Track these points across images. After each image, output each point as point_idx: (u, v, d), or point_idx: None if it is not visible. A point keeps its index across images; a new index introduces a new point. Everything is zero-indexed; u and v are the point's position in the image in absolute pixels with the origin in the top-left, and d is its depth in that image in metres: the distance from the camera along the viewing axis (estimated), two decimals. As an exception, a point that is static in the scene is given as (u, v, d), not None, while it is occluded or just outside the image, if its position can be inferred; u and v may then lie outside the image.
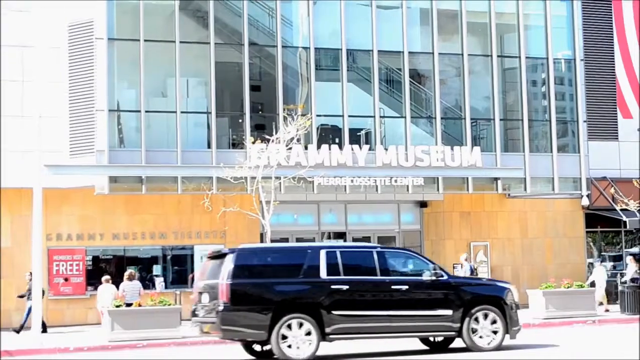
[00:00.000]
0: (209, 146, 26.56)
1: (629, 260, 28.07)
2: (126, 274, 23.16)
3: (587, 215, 32.26)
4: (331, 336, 16.78)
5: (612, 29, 33.65)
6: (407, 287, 17.40)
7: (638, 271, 27.24)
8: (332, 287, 16.95)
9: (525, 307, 24.85)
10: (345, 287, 17.07)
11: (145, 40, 25.82)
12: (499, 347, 17.21)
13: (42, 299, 21.39)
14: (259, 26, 27.96)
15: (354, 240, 29.05)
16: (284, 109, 25.81)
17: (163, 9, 26.78)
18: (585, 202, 31.11)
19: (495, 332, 17.31)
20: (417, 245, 30.08)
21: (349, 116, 27.86)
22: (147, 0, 26.23)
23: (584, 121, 30.69)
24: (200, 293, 17.73)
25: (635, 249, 33.70)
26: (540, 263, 30.29)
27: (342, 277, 17.26)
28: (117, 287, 22.54)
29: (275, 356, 16.82)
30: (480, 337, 17.26)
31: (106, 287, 22.47)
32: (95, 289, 23.55)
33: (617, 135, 33.15)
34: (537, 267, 29.40)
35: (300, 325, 16.53)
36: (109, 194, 25.46)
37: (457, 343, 17.47)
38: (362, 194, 28.14)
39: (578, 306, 25.18)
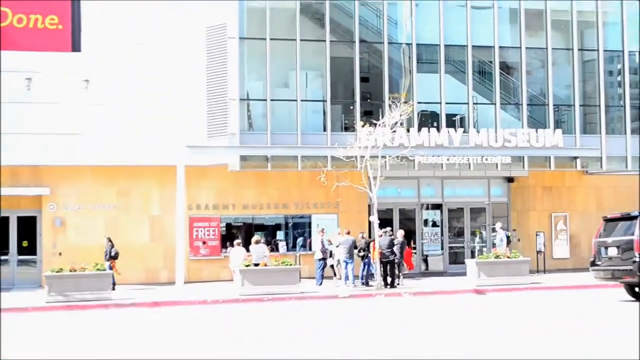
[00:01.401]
0: (324, 129, 25.89)
1: None
2: (254, 238, 22.79)
3: None
4: None
5: None
6: None
7: None
8: None
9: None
10: None
11: (270, 39, 25.30)
12: None
13: (116, 260, 21.79)
14: (368, 25, 27.11)
15: (449, 210, 28.97)
16: (389, 97, 24.67)
17: (286, 11, 26.04)
18: None
19: None
20: (504, 215, 29.00)
21: (446, 103, 26.87)
22: (273, 2, 25.59)
23: None
24: (605, 248, 18.98)
25: None
26: None
27: None
28: (247, 249, 22.15)
29: None
30: None
31: (237, 249, 22.07)
32: (228, 251, 23.33)
33: None
34: None
35: None
36: (240, 170, 25.22)
37: None
38: (457, 170, 27.03)
39: None
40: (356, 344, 12.25)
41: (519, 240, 27.83)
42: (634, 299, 18.48)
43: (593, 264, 19.57)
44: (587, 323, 15.08)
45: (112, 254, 21.94)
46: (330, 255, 23.51)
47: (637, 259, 17.64)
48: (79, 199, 24.96)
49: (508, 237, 26.18)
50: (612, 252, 18.81)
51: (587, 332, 13.60)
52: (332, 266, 23.53)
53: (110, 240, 22.39)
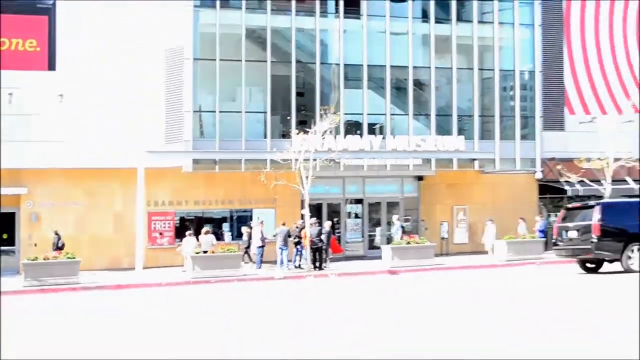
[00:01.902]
0: (265, 136, 26.30)
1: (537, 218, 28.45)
2: (203, 230, 23.16)
3: (540, 185, 31.38)
4: None
5: (562, 48, 32.49)
6: None
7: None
8: None
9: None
10: None
11: (220, 60, 25.55)
12: None
13: (62, 251, 21.60)
14: (303, 48, 27.52)
15: (369, 204, 29.20)
16: (320, 109, 25.15)
17: (233, 36, 26.08)
18: (538, 175, 30.41)
19: None
20: (415, 208, 29.70)
21: (368, 114, 27.49)
22: (222, 28, 25.67)
23: (540, 117, 29.94)
24: (566, 230, 19.88)
25: None
26: (505, 221, 28.58)
27: None
28: (197, 239, 22.54)
29: (599, 271, 19.49)
30: None
31: (189, 239, 22.42)
32: (181, 240, 23.40)
33: (563, 127, 32.18)
34: (502, 224, 27.89)
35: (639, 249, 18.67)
36: (192, 172, 25.46)
37: None
38: (376, 171, 27.70)
39: (529, 251, 24.83)
40: (288, 314, 12.88)
41: (426, 228, 28.38)
42: (585, 272, 19.61)
43: (555, 244, 20.49)
44: (468, 290, 16.31)
45: (59, 245, 22.10)
46: (248, 246, 23.89)
47: (595, 240, 18.50)
48: (52, 197, 24.81)
49: (403, 228, 26.63)
50: (572, 234, 19.51)
51: (467, 296, 14.92)
52: (246, 251, 23.83)
53: (57, 234, 22.64)
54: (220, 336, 10.45)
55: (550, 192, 31.47)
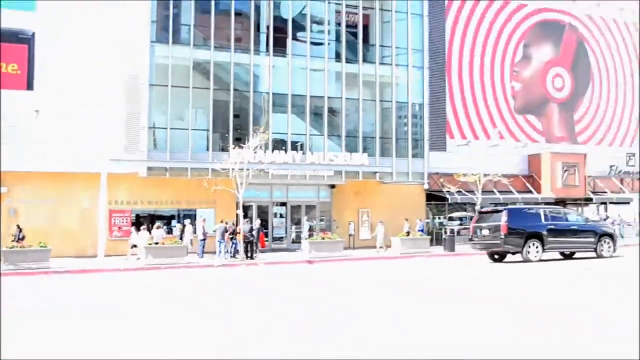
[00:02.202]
0: (207, 149, 26.66)
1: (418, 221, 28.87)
2: (155, 225, 23.30)
3: (427, 194, 32.80)
4: (546, 250, 20.43)
5: (445, 86, 34.35)
6: (575, 226, 21.42)
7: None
8: (548, 226, 20.58)
9: (388, 246, 26.62)
10: (553, 226, 20.67)
11: (171, 86, 26.02)
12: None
13: (23, 241, 21.44)
14: (240, 79, 27.95)
15: (291, 207, 29.52)
16: (253, 129, 25.84)
17: (183, 67, 26.61)
18: (425, 187, 31.80)
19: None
20: (328, 210, 30.28)
21: (291, 134, 28.20)
22: (173, 60, 26.16)
23: (427, 140, 31.37)
24: (480, 229, 21.11)
25: (456, 214, 34.53)
26: (399, 222, 29.79)
27: (551, 222, 20.78)
28: (150, 232, 22.64)
29: (504, 260, 20.84)
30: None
31: (143, 232, 22.65)
32: (137, 233, 23.18)
33: (445, 148, 33.84)
34: (396, 224, 28.95)
35: (535, 245, 20.17)
36: (147, 177, 25.64)
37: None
38: (297, 180, 28.22)
39: (419, 246, 25.66)
40: (222, 292, 13.44)
41: (337, 227, 29.28)
42: (493, 261, 20.97)
43: (471, 239, 21.74)
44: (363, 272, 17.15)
45: (20, 237, 22.20)
46: (181, 238, 23.71)
47: (502, 237, 19.93)
48: (28, 196, 25.04)
49: (311, 226, 27.62)
50: (485, 232, 20.75)
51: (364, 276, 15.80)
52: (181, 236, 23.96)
53: (19, 227, 22.69)
54: (167, 301, 11.40)
55: (434, 200, 33.06)
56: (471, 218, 29.68)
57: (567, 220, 21.78)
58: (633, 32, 41.65)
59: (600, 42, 40.26)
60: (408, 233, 26.93)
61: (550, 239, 20.51)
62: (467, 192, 30.69)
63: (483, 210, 22.76)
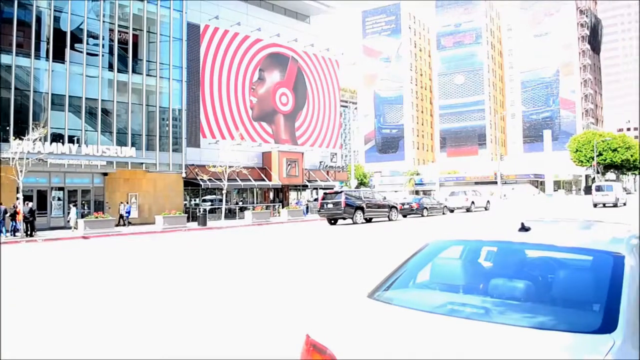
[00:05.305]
0: None
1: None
2: None
3: (185, 181, 34.87)
4: (365, 217, 26.24)
5: (199, 95, 37.07)
6: (379, 202, 27.78)
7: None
8: (366, 202, 26.63)
9: (153, 223, 28.75)
10: (368, 202, 26.87)
11: None
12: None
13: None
14: (22, 80, 27.41)
15: (69, 191, 29.69)
16: (32, 124, 25.98)
17: None
18: (183, 175, 33.70)
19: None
20: (102, 194, 31.08)
21: (68, 129, 28.42)
22: None
23: (185, 138, 33.64)
24: (326, 203, 26.37)
25: (208, 197, 37.10)
26: (162, 203, 32.27)
27: (365, 199, 26.82)
28: None
29: (338, 224, 25.73)
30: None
31: None
32: None
33: (199, 145, 36.57)
34: (160, 205, 31.48)
35: (359, 213, 25.94)
36: None
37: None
38: (74, 168, 28.27)
39: (178, 223, 27.43)
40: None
41: (109, 208, 30.35)
42: (329, 224, 26.44)
43: (319, 211, 26.96)
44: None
45: None
46: None
47: (342, 209, 25.96)
48: None
49: (76, 210, 27.24)
50: (330, 206, 26.43)
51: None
52: None
53: None
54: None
55: (191, 186, 36.10)
56: (220, 200, 34.72)
57: (374, 198, 28.64)
58: (336, 66, 50.76)
59: (313, 71, 48.39)
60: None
61: (367, 209, 27.17)
62: (216, 179, 34.14)
63: (327, 192, 28.30)
